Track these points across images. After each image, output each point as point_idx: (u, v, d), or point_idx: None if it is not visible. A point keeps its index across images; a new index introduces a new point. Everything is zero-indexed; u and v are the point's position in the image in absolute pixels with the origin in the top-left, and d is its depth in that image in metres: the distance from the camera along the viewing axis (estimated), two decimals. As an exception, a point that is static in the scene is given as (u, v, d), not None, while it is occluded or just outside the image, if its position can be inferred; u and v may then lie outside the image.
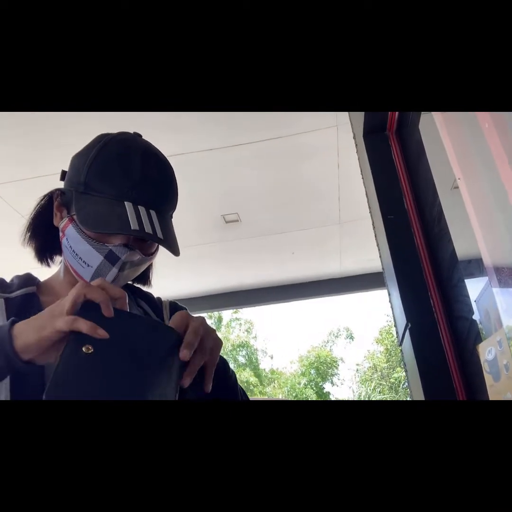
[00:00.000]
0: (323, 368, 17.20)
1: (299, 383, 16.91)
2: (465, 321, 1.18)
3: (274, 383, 17.34)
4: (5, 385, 0.64)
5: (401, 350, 1.46)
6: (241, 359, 17.36)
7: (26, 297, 0.77)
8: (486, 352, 0.94)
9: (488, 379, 0.94)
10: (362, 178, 1.72)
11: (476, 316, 1.10)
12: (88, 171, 0.75)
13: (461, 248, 1.24)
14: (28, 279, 0.82)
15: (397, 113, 1.42)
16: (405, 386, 14.68)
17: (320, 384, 17.01)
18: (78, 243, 0.75)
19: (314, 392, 16.53)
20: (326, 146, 2.83)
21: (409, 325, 1.28)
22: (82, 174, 0.76)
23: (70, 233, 0.76)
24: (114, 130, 0.82)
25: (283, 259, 4.29)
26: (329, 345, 18.11)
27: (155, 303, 0.90)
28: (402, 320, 1.34)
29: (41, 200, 0.85)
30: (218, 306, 5.00)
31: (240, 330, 17.95)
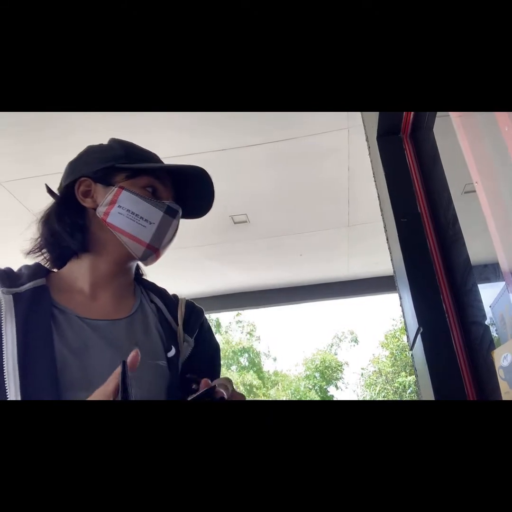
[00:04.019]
0: (328, 372, 17.14)
1: (303, 386, 16.87)
2: (479, 327, 1.16)
3: (278, 385, 17.29)
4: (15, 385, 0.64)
5: (411, 355, 1.45)
6: (244, 361, 17.33)
7: (35, 291, 0.75)
8: (502, 358, 0.92)
9: (503, 386, 0.93)
10: (375, 180, 1.71)
11: (490, 322, 1.09)
12: (122, 148, 0.84)
13: (473, 253, 1.23)
14: (37, 270, 0.81)
15: (411, 115, 1.41)
16: (410, 391, 14.61)
17: (324, 387, 16.95)
18: (137, 204, 0.80)
19: (318, 396, 16.48)
20: (337, 148, 2.82)
21: (421, 330, 1.27)
22: (116, 151, 0.83)
23: (125, 198, 0.80)
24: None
25: (291, 261, 4.28)
26: (333, 348, 18.05)
27: (169, 299, 0.89)
28: (413, 325, 1.32)
29: (61, 196, 0.84)
30: (224, 307, 4.99)
31: (242, 333, 17.91)
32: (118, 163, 0.81)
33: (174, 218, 0.83)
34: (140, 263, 0.91)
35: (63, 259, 0.84)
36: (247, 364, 17.31)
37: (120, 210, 0.79)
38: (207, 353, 0.87)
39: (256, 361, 17.56)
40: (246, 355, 17.44)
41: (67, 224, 0.81)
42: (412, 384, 14.36)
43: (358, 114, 2.32)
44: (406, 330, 1.49)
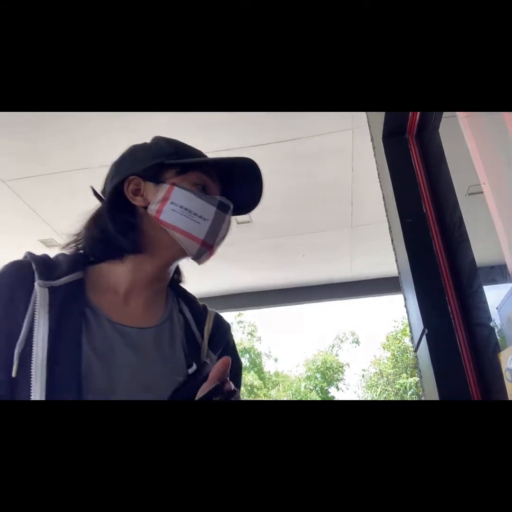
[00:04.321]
0: (329, 373, 17.12)
1: (304, 387, 16.86)
2: (484, 328, 1.16)
3: (279, 386, 17.28)
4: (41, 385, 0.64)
5: (416, 356, 1.44)
6: (245, 362, 17.31)
7: (71, 286, 0.73)
8: (508, 360, 0.92)
9: (509, 387, 0.92)
10: (380, 181, 1.70)
11: (496, 324, 1.08)
12: (171, 145, 0.83)
13: (477, 254, 1.22)
14: (75, 262, 0.78)
15: (418, 116, 1.41)
16: (411, 393, 14.59)
17: (325, 388, 16.94)
18: (190, 200, 0.78)
19: (319, 397, 16.46)
20: (340, 149, 2.82)
21: (426, 331, 1.26)
22: (165, 148, 0.82)
23: (178, 195, 0.78)
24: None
25: (293, 262, 4.28)
26: (335, 349, 18.04)
27: (198, 310, 0.87)
28: (418, 326, 1.32)
29: (110, 196, 0.80)
30: (225, 307, 4.98)
31: (243, 333, 17.89)
32: (168, 160, 0.80)
33: (226, 214, 0.81)
34: (181, 267, 0.89)
35: (104, 258, 0.81)
36: (248, 364, 17.30)
37: (173, 207, 0.77)
38: (229, 372, 0.84)
39: (257, 362, 17.55)
40: (247, 355, 17.43)
41: (119, 223, 0.78)
42: (413, 386, 14.34)
43: (362, 115, 2.32)
44: (410, 331, 1.48)
